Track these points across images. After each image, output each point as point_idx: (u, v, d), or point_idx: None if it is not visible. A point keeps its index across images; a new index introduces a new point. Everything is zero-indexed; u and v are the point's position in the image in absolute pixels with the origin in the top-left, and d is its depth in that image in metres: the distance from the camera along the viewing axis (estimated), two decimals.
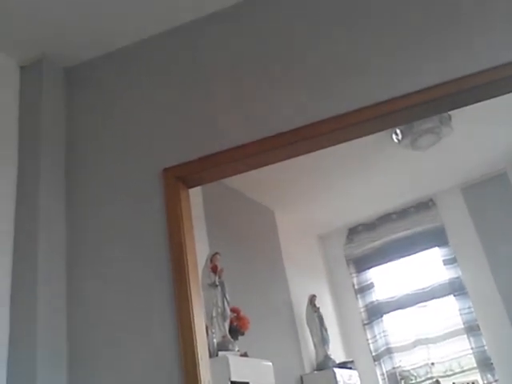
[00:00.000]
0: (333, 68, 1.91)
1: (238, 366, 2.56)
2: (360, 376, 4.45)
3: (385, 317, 4.97)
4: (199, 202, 3.20)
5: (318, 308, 4.30)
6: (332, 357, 4.15)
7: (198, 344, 1.73)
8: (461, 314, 4.62)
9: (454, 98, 1.77)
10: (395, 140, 3.75)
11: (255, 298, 3.52)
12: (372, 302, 5.05)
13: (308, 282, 4.66)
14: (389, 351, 4.84)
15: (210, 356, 2.21)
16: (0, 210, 1.97)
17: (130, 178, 2.06)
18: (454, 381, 4.52)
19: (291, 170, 3.58)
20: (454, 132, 3.71)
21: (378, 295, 5.06)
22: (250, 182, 3.64)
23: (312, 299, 4.32)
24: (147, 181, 2.02)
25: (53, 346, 1.83)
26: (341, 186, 4.37)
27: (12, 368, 1.76)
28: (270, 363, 2.97)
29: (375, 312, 5.01)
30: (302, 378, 3.90)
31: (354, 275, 5.20)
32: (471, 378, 4.48)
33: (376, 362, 4.85)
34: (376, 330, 4.96)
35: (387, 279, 5.08)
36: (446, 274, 4.79)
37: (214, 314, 2.77)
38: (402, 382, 4.71)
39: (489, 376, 4.37)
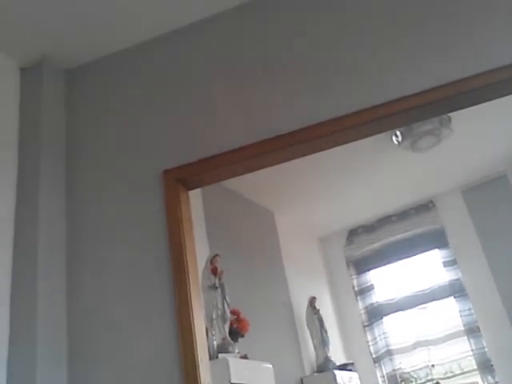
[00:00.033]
0: (331, 71, 1.92)
1: (238, 368, 2.56)
2: (360, 378, 4.44)
3: (385, 319, 4.97)
4: (199, 204, 3.21)
5: (318, 310, 4.30)
6: (332, 359, 4.14)
7: (197, 346, 1.73)
8: (461, 316, 4.62)
9: (452, 101, 1.77)
10: (395, 142, 3.76)
11: (255, 300, 3.52)
12: (372, 304, 5.05)
13: (308, 283, 4.66)
14: (389, 353, 4.83)
15: (210, 358, 2.21)
16: (0, 210, 1.98)
17: (130, 179, 2.07)
18: (455, 383, 4.52)
19: (290, 172, 3.59)
20: (454, 134, 3.72)
21: (378, 297, 5.06)
22: (250, 184, 3.64)
23: (312, 301, 4.32)
24: (147, 182, 2.02)
25: (53, 342, 1.84)
26: (341, 188, 4.37)
27: (12, 363, 1.77)
28: (270, 365, 2.97)
29: (375, 314, 5.01)
30: (302, 380, 3.89)
31: (354, 277, 5.20)
32: (471, 380, 4.47)
33: (376, 364, 4.85)
34: (376, 331, 4.95)
35: (387, 281, 5.08)
36: (446, 276, 4.78)
37: (214, 316, 2.77)
38: (402, 383, 4.71)
39: (489, 378, 4.36)
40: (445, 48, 1.79)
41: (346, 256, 5.25)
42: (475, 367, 4.47)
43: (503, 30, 1.76)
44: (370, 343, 4.94)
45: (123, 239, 1.99)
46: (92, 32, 2.17)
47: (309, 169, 3.75)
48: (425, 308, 4.83)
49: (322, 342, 4.16)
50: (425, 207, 4.97)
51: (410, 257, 5.00)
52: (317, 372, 4.06)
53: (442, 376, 4.59)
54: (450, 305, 4.72)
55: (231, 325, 2.87)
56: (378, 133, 1.94)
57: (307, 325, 4.20)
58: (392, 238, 5.05)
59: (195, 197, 2.50)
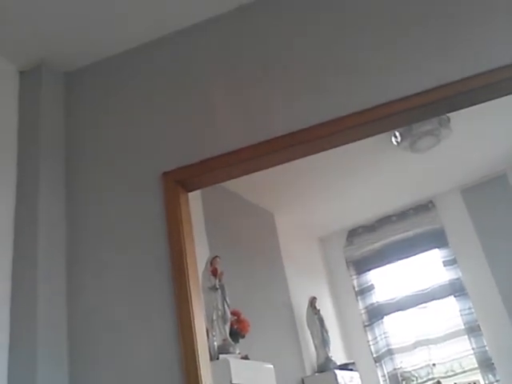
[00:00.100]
0: (331, 71, 1.92)
1: (238, 369, 2.56)
2: (361, 377, 4.44)
3: (385, 318, 4.97)
4: (199, 206, 3.20)
5: (319, 310, 4.30)
6: (333, 359, 4.14)
7: (198, 347, 1.72)
8: (461, 315, 4.62)
9: (452, 101, 1.77)
10: (394, 142, 3.76)
11: (255, 301, 3.52)
12: (372, 304, 5.05)
13: (308, 284, 4.66)
14: (390, 352, 4.84)
15: (211, 359, 2.21)
16: (0, 210, 1.97)
17: (130, 181, 2.07)
18: (456, 381, 4.52)
19: (290, 173, 3.58)
20: (454, 134, 3.71)
21: (378, 297, 5.06)
22: (250, 185, 3.63)
23: (312, 301, 4.32)
24: (147, 184, 2.02)
25: (53, 344, 1.84)
26: (340, 188, 4.37)
27: (13, 366, 1.77)
28: (271, 366, 2.97)
29: (376, 313, 5.01)
30: (303, 380, 3.89)
31: (354, 277, 5.20)
32: (472, 379, 4.48)
33: (377, 364, 4.85)
34: (377, 331, 4.96)
35: (387, 281, 5.08)
36: (446, 275, 4.79)
37: (214, 317, 2.77)
38: (404, 383, 4.70)
39: (490, 376, 4.37)
40: (445, 48, 1.79)
41: (346, 256, 5.25)
42: (476, 366, 4.47)
43: (503, 30, 1.76)
44: (371, 343, 4.94)
45: (123, 241, 1.99)
46: (91, 34, 2.16)
47: (309, 169, 3.75)
48: (425, 307, 4.83)
49: (323, 341, 4.16)
50: (424, 207, 4.98)
51: (409, 257, 5.00)
52: (318, 372, 4.06)
53: (442, 375, 4.59)
54: (451, 304, 4.72)
55: (232, 326, 2.87)
56: (378, 133, 1.94)
57: (308, 325, 4.20)
58: (392, 238, 5.06)
59: (195, 198, 2.50)
